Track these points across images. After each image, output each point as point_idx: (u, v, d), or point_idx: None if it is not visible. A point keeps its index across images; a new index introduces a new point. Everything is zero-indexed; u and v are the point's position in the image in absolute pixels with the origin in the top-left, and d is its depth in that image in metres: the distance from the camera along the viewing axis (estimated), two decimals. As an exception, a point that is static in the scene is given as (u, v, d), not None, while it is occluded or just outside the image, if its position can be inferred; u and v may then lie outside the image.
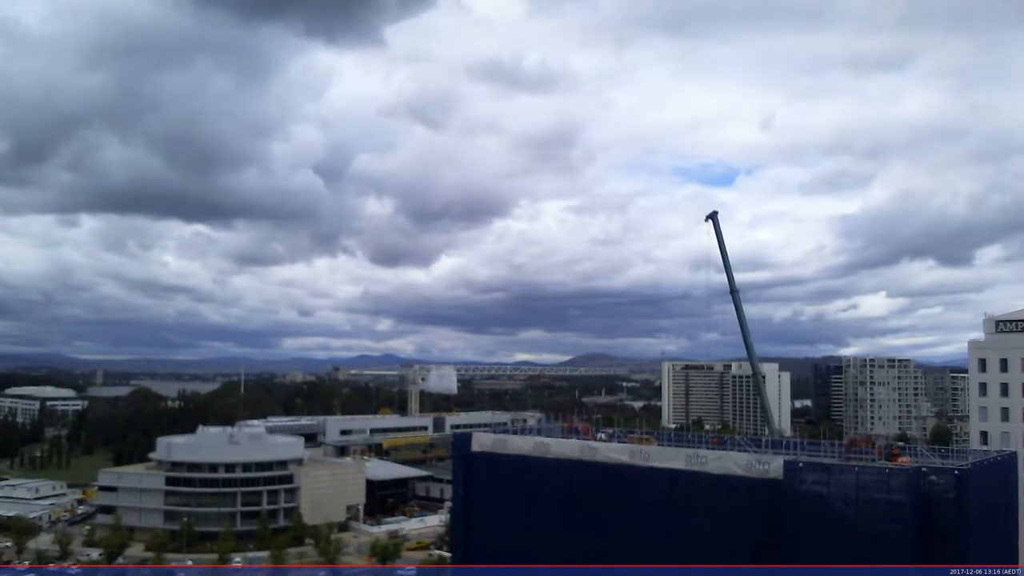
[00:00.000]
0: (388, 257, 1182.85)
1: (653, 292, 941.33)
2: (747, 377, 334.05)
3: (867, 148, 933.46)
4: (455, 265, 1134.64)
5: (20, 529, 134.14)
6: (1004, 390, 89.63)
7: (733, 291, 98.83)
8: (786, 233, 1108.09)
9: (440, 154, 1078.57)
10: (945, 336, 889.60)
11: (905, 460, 46.75)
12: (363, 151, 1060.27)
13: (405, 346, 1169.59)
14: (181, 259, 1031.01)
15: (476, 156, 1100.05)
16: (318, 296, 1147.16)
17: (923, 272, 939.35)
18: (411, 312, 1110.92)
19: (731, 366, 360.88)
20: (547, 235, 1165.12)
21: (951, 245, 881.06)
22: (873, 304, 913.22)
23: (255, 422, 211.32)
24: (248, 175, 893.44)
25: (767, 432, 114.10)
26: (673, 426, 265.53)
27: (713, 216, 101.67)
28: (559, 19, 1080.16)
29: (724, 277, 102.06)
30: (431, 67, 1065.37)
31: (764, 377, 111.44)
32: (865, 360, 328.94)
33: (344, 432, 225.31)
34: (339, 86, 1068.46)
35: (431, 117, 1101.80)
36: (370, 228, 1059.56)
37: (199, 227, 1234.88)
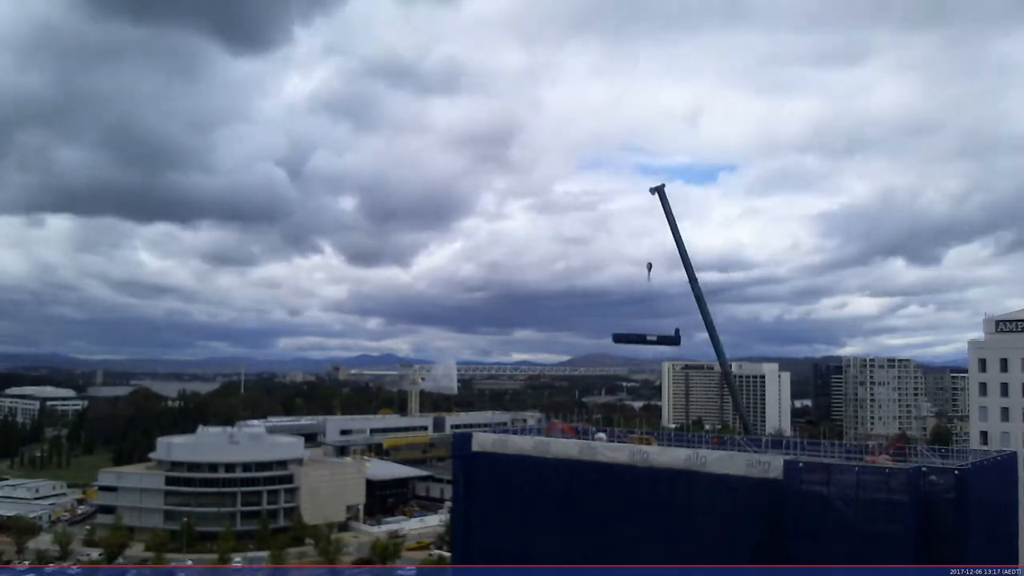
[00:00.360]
0: (364, 257, 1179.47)
1: (631, 291, 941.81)
2: (749, 377, 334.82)
3: (843, 145, 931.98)
4: (436, 265, 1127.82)
5: (20, 529, 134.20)
6: (1004, 390, 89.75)
7: (692, 279, 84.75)
8: (763, 231, 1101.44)
9: (395, 156, 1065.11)
10: (936, 336, 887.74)
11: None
12: (308, 151, 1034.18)
13: (400, 346, 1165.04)
14: (156, 260, 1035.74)
15: (430, 157, 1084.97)
16: (303, 296, 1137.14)
17: (905, 270, 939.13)
18: (398, 312, 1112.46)
19: (731, 366, 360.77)
20: (525, 235, 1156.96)
21: (932, 243, 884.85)
22: (859, 303, 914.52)
23: (255, 422, 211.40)
24: (206, 176, 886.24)
25: (742, 430, 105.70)
26: (673, 426, 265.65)
27: (659, 190, 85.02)
28: (480, 16, 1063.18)
29: (694, 270, 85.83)
30: (353, 67, 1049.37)
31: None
32: (865, 360, 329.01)
33: (344, 432, 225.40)
34: (263, 88, 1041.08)
35: (361, 117, 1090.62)
36: (340, 228, 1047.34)
37: (167, 228, 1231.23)
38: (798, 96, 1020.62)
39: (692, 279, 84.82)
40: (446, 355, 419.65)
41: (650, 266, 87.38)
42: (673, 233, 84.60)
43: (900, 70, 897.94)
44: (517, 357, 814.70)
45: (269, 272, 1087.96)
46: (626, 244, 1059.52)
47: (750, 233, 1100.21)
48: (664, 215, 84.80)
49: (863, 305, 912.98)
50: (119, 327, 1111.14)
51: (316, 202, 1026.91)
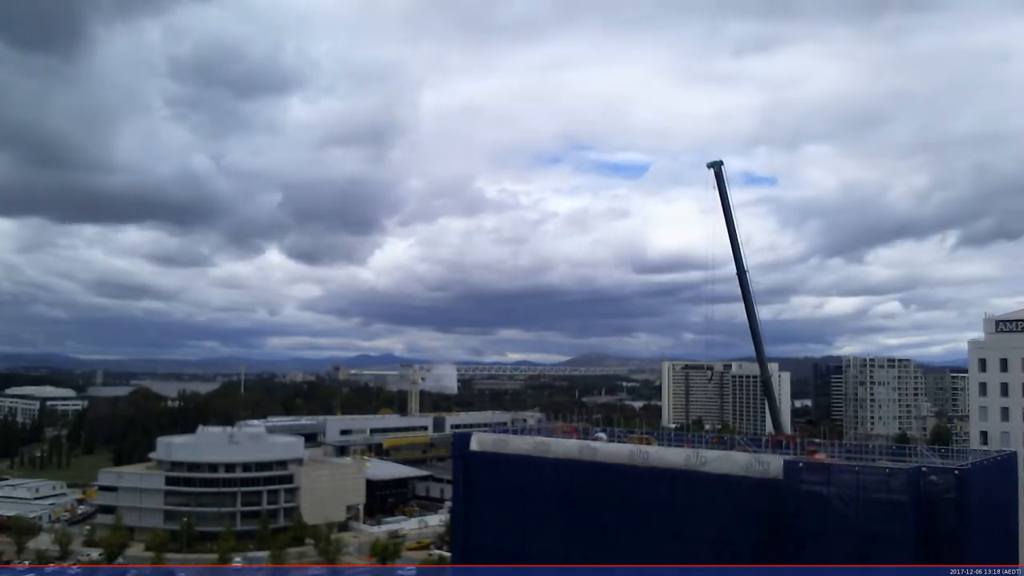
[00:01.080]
0: (312, 256, 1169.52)
1: (598, 290, 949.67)
2: (749, 377, 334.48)
3: (785, 138, 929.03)
4: (398, 264, 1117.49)
5: (20, 529, 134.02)
6: (1004, 390, 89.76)
7: (741, 271, 76.64)
8: (715, 228, 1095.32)
9: (303, 157, 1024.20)
10: (918, 336, 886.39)
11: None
12: (169, 155, 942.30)
13: (384, 345, 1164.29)
14: (106, 260, 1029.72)
15: (330, 156, 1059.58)
16: (273, 297, 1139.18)
17: (864, 268, 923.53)
18: (371, 312, 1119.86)
19: (731, 366, 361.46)
20: (479, 234, 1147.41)
21: (886, 239, 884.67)
22: (819, 302, 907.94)
23: (255, 422, 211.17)
24: (117, 176, 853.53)
25: (775, 431, 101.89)
26: (673, 426, 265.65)
27: (716, 166, 77.67)
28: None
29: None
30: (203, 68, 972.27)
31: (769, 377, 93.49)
32: (865, 360, 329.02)
33: (344, 432, 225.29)
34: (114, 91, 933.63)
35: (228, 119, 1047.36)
36: (277, 229, 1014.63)
37: (100, 229, 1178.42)
38: (730, 89, 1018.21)
39: (742, 271, 76.38)
40: (437, 354, 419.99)
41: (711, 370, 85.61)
42: (726, 215, 77.21)
43: (826, 62, 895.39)
44: (513, 357, 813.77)
45: (219, 273, 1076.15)
46: (592, 243, 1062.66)
47: (701, 230, 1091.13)
48: (719, 195, 77.51)
49: (818, 304, 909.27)
50: (88, 327, 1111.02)
51: (232, 203, 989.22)
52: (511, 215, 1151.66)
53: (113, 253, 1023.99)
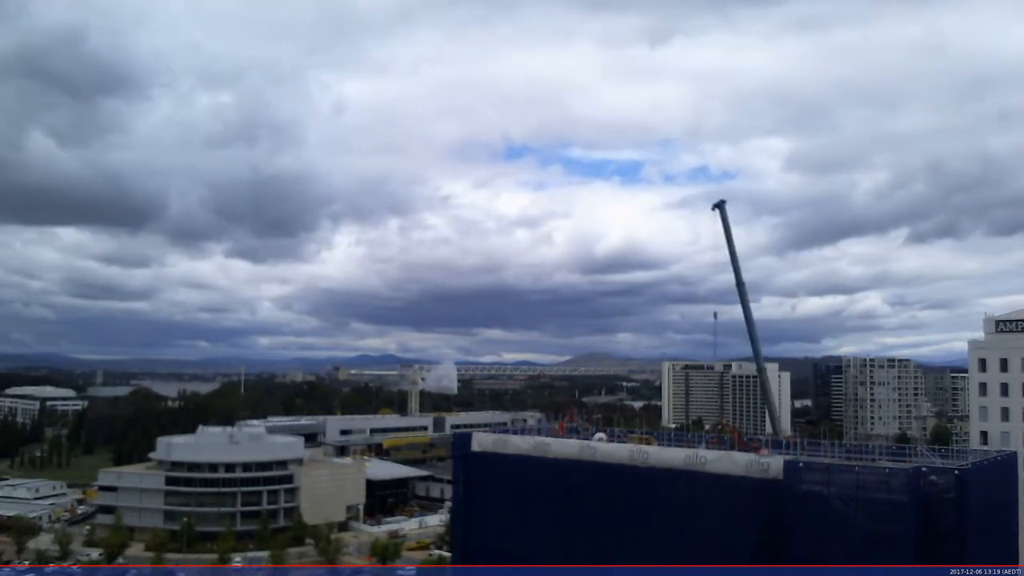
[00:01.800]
0: (267, 256, 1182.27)
1: (545, 288, 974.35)
2: (749, 377, 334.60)
3: (731, 131, 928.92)
4: (372, 265, 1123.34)
5: (20, 529, 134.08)
6: (1004, 390, 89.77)
7: (739, 284, 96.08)
8: (671, 226, 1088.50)
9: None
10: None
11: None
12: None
13: (380, 345, 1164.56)
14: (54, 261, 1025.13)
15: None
16: (247, 298, 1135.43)
17: (836, 264, 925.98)
18: (348, 312, 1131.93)
19: (731, 366, 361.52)
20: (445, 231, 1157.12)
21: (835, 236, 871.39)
22: (784, 302, 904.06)
23: (255, 422, 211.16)
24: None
25: (772, 432, 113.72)
26: (673, 426, 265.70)
27: (720, 206, 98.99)
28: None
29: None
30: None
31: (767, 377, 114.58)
32: (865, 360, 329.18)
33: (344, 432, 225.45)
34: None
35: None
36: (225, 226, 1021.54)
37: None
38: (657, 81, 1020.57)
39: (739, 283, 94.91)
40: (432, 354, 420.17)
41: (715, 315, 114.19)
42: (729, 245, 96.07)
43: (747, 53, 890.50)
44: (510, 357, 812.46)
45: (174, 273, 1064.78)
46: (564, 242, 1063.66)
47: (655, 230, 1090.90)
48: (723, 228, 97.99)
49: (794, 304, 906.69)
50: (70, 327, 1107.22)
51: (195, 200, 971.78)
52: (463, 214, 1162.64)
53: (59, 253, 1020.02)
